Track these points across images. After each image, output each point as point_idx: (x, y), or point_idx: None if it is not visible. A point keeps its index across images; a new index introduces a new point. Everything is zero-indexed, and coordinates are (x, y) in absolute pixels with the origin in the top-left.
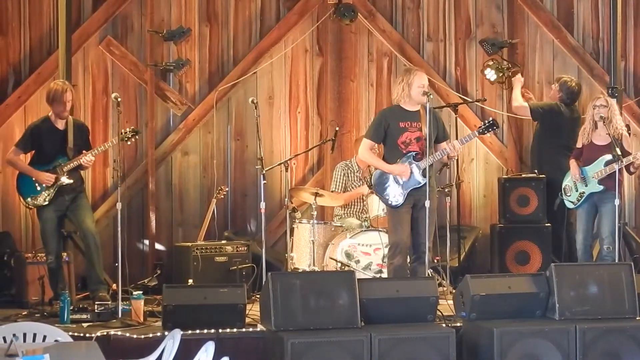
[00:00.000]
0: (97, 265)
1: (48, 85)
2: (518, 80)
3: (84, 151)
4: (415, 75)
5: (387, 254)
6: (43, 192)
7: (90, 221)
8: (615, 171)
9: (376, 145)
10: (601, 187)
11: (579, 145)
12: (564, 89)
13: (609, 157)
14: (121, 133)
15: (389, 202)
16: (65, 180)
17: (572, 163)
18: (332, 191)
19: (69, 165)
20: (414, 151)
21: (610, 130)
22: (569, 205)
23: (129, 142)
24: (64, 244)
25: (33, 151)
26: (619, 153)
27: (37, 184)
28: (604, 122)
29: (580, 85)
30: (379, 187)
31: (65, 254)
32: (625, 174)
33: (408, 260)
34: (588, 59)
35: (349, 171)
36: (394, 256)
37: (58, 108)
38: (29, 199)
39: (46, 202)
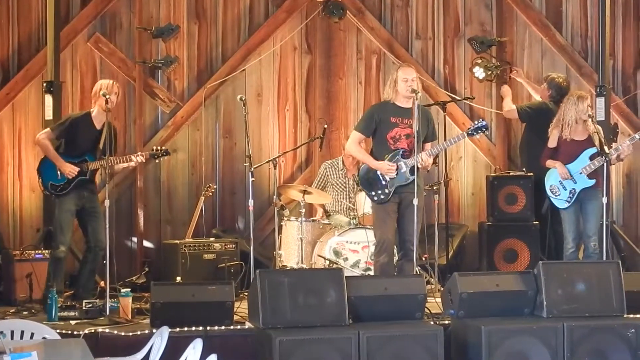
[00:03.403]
0: (94, 276)
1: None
2: (507, 91)
3: (132, 156)
4: (400, 70)
5: (373, 252)
6: (62, 183)
7: (104, 236)
8: (601, 166)
9: (364, 139)
10: (592, 181)
11: (552, 144)
12: (553, 85)
13: (592, 150)
14: (153, 149)
15: (375, 199)
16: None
17: (557, 163)
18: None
19: (94, 165)
20: (402, 148)
21: (592, 127)
22: (562, 205)
23: (157, 160)
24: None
25: (61, 140)
26: (606, 150)
27: (59, 173)
28: (592, 120)
29: (569, 81)
30: (365, 182)
31: None
32: (613, 170)
33: (395, 257)
34: (576, 57)
35: (332, 169)
36: (380, 254)
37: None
38: (47, 185)
39: (65, 193)
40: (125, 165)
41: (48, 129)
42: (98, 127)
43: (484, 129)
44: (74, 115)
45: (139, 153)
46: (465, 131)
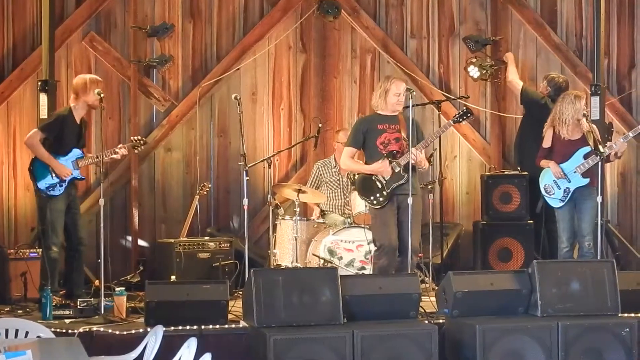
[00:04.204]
0: (83, 272)
1: (79, 78)
2: (510, 57)
3: (117, 148)
4: (393, 83)
5: (373, 253)
6: (57, 184)
7: (84, 233)
8: (595, 165)
9: (357, 152)
10: (586, 180)
11: (547, 144)
12: (552, 84)
13: (586, 149)
14: (132, 140)
15: (374, 203)
16: (78, 175)
17: (551, 163)
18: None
19: (84, 162)
20: (393, 150)
21: (587, 126)
22: (557, 204)
23: (136, 151)
24: None
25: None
26: (601, 149)
27: (52, 173)
28: (587, 119)
29: (567, 81)
30: (362, 190)
31: None
32: (608, 169)
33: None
34: (571, 56)
35: (325, 168)
36: (380, 257)
37: (96, 95)
38: (41, 186)
39: (59, 193)
40: (107, 159)
41: (36, 130)
42: (78, 121)
43: (469, 115)
44: (61, 113)
45: (121, 145)
46: (452, 119)
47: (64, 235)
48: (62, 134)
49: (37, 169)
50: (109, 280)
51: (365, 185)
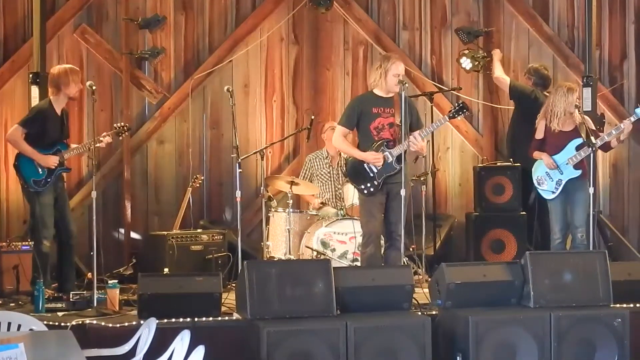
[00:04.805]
0: (74, 265)
1: (57, 69)
2: (497, 54)
3: (101, 137)
4: (393, 64)
5: (360, 242)
6: (44, 177)
7: (74, 226)
8: (587, 156)
9: (350, 132)
10: (579, 172)
11: (539, 136)
12: (535, 74)
13: (578, 141)
14: (115, 127)
15: (364, 191)
16: (64, 167)
17: (543, 154)
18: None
19: (69, 153)
20: (386, 138)
21: (579, 117)
22: (549, 195)
23: (120, 137)
24: None
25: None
26: (594, 141)
27: (39, 167)
28: (579, 111)
29: (548, 69)
30: (353, 175)
31: None
32: (600, 160)
33: (382, 247)
34: (563, 47)
35: (317, 160)
36: (367, 245)
37: (78, 87)
38: (29, 181)
39: (47, 186)
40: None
41: (18, 126)
42: (59, 113)
43: (465, 110)
44: (41, 106)
45: (105, 133)
46: (447, 114)
47: (54, 229)
48: (44, 127)
49: (23, 164)
50: (101, 273)
51: (356, 172)
